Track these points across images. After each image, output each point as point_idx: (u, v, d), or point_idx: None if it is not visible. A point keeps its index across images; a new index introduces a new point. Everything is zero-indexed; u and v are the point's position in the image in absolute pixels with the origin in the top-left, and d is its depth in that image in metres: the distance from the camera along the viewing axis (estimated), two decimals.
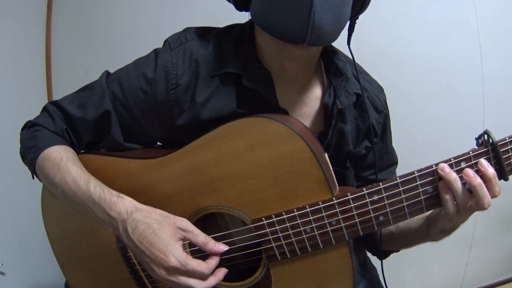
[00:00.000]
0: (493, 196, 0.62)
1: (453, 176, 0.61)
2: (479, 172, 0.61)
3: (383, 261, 0.87)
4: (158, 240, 0.64)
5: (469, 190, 0.62)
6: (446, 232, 0.71)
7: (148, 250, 0.64)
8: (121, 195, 0.70)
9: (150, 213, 0.67)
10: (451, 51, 1.57)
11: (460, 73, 1.58)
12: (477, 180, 0.61)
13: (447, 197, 0.63)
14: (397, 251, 0.91)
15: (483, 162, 0.61)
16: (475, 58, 1.57)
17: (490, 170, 0.61)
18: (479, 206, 0.62)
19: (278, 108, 0.75)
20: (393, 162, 0.94)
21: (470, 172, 0.61)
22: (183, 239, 0.67)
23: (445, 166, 0.62)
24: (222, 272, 0.69)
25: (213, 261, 0.67)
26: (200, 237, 0.67)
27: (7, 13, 1.56)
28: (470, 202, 0.63)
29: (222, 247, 0.68)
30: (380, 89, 0.89)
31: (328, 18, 0.63)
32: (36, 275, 1.58)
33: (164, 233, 0.65)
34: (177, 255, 0.63)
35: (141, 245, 0.64)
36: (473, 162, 0.62)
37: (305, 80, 0.80)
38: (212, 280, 0.67)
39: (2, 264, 1.40)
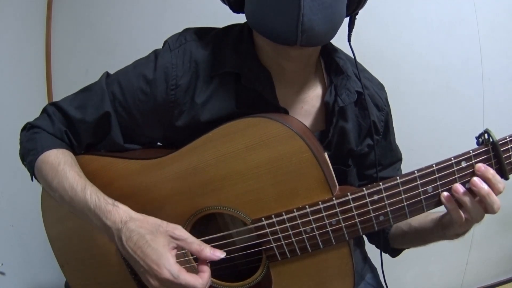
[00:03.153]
0: (498, 192, 0.62)
1: (462, 194, 0.63)
2: (478, 175, 0.62)
3: (383, 261, 0.87)
4: (151, 251, 0.64)
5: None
6: (461, 234, 0.72)
7: (142, 260, 0.64)
8: (116, 203, 0.69)
9: (143, 222, 0.67)
10: (451, 51, 1.56)
11: (460, 73, 1.58)
12: (485, 189, 0.61)
13: (461, 215, 0.65)
14: (409, 248, 0.91)
15: (480, 164, 0.62)
16: (475, 58, 1.56)
17: (490, 171, 0.61)
18: (489, 212, 0.63)
19: (278, 107, 0.75)
20: (398, 158, 0.94)
21: (477, 181, 0.62)
22: (177, 248, 0.67)
23: (459, 187, 0.63)
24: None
25: (206, 274, 0.66)
26: (194, 245, 0.66)
27: (7, 13, 1.56)
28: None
29: (218, 253, 0.67)
30: (381, 87, 0.89)
31: (319, 19, 0.63)
32: (36, 275, 1.58)
33: (157, 244, 0.64)
34: (169, 267, 0.63)
35: (135, 254, 0.64)
36: (473, 161, 0.62)
37: (304, 78, 0.80)
38: None
39: (2, 264, 1.40)
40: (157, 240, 0.65)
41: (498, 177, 0.62)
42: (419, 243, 0.85)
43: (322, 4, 0.63)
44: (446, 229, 0.72)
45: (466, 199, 0.63)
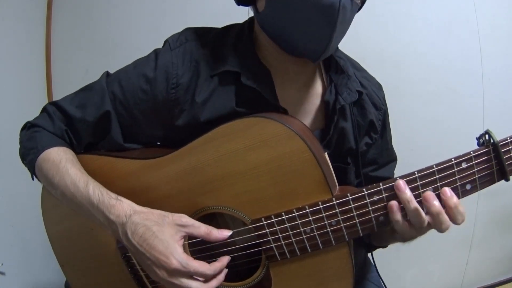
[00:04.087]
0: (455, 223, 0.62)
1: (407, 196, 0.61)
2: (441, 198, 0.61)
3: (382, 260, 0.87)
4: (159, 243, 0.64)
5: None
6: (406, 240, 0.71)
7: (149, 252, 0.64)
8: (119, 197, 0.70)
9: (148, 214, 0.67)
10: (451, 51, 1.57)
11: (460, 73, 1.58)
12: (435, 208, 0.60)
13: (397, 217, 0.62)
14: (382, 247, 0.91)
15: (447, 190, 0.61)
16: (475, 58, 1.57)
17: (453, 200, 0.60)
18: (437, 229, 0.62)
19: (277, 106, 0.75)
20: (393, 158, 0.94)
21: (430, 197, 0.61)
22: (185, 236, 0.67)
23: (401, 184, 0.62)
24: (223, 273, 0.69)
25: (218, 263, 0.67)
26: (202, 229, 0.67)
27: (7, 13, 1.56)
28: (429, 220, 0.62)
29: (225, 232, 0.69)
30: (379, 86, 0.89)
31: (338, 42, 0.73)
32: (36, 275, 1.58)
33: (164, 235, 0.64)
34: (178, 256, 0.63)
35: (142, 247, 0.64)
36: (474, 162, 0.62)
37: (305, 77, 0.80)
38: (214, 283, 0.67)
39: (2, 264, 1.41)
40: (164, 231, 0.65)
41: (460, 209, 0.61)
42: (380, 242, 0.86)
43: (343, 31, 0.70)
44: (394, 232, 0.71)
45: (411, 207, 0.61)
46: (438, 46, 1.56)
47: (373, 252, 0.99)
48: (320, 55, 0.69)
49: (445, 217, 0.61)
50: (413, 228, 0.64)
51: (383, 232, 0.77)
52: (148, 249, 0.64)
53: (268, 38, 0.73)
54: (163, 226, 0.66)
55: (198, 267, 0.64)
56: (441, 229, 0.61)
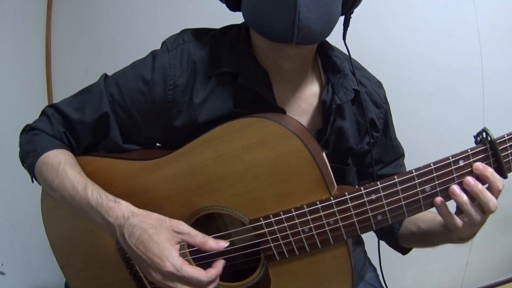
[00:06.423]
0: (498, 191, 0.62)
1: (479, 187, 0.62)
2: (476, 174, 0.62)
3: (383, 261, 0.87)
4: (154, 245, 0.64)
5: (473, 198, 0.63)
6: (465, 239, 0.72)
7: (145, 254, 0.64)
8: (118, 199, 0.70)
9: (146, 217, 0.67)
10: (451, 51, 1.56)
11: (460, 73, 1.58)
12: (478, 187, 0.61)
13: (464, 199, 0.64)
14: (418, 247, 0.91)
15: (478, 163, 0.62)
16: (475, 58, 1.56)
17: (489, 169, 0.61)
18: (486, 211, 0.63)
19: (275, 107, 0.75)
20: (400, 155, 0.94)
21: (470, 180, 0.62)
22: (181, 242, 0.67)
23: (456, 188, 0.63)
24: (217, 280, 0.69)
25: (214, 270, 0.67)
26: (198, 238, 0.67)
27: (7, 13, 1.56)
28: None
29: (222, 243, 0.68)
30: (379, 84, 0.89)
31: (315, 17, 0.64)
32: (36, 275, 1.58)
33: (159, 238, 0.65)
34: (172, 260, 0.63)
35: (138, 249, 0.65)
36: (471, 160, 0.62)
37: (301, 77, 0.80)
38: (210, 286, 0.66)
39: (2, 264, 1.41)
40: (160, 234, 0.65)
41: (496, 175, 0.62)
42: (427, 245, 0.85)
43: (319, 2, 0.63)
44: (451, 233, 0.71)
45: (462, 200, 0.63)
46: (438, 46, 1.56)
47: (371, 252, 0.99)
48: (292, 33, 0.63)
49: (488, 194, 0.62)
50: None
51: (436, 233, 0.78)
52: (144, 251, 0.64)
53: (258, 35, 0.72)
54: (159, 229, 0.66)
55: (192, 273, 0.63)
56: (489, 208, 0.62)
